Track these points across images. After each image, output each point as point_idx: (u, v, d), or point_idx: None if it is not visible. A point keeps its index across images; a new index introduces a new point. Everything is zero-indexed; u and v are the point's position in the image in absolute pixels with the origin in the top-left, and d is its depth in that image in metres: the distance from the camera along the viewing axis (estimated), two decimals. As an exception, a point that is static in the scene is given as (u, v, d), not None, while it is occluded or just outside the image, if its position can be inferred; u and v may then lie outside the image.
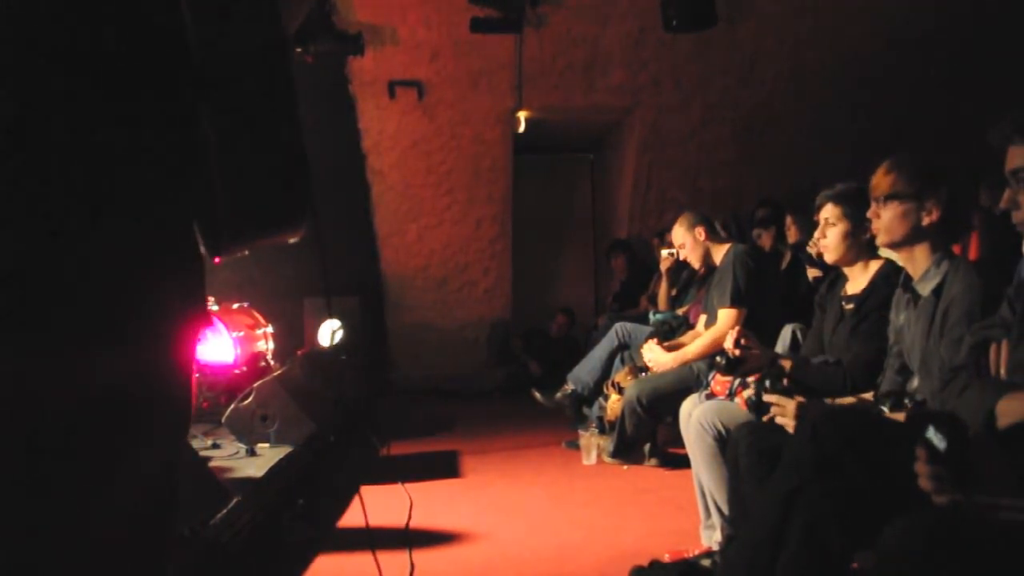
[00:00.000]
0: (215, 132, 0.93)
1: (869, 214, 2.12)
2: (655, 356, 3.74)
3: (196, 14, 0.90)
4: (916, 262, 2.06)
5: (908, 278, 2.10)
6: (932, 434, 1.32)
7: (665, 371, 3.71)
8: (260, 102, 0.97)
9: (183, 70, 0.91)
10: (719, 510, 2.54)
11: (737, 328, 2.53)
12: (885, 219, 2.06)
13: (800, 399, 2.08)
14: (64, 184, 0.83)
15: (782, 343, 3.08)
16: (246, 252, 1.02)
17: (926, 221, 2.02)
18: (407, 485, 3.64)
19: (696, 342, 3.70)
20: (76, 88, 0.83)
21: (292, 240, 1.03)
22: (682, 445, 2.81)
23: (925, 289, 2.01)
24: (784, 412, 2.07)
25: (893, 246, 2.11)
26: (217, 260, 0.99)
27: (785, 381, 2.17)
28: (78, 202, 0.84)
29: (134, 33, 0.87)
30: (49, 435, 0.82)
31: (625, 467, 3.96)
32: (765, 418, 2.15)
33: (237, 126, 0.95)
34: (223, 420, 3.74)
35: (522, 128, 6.61)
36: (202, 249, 0.97)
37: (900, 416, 1.90)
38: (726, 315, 3.55)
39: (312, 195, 1.03)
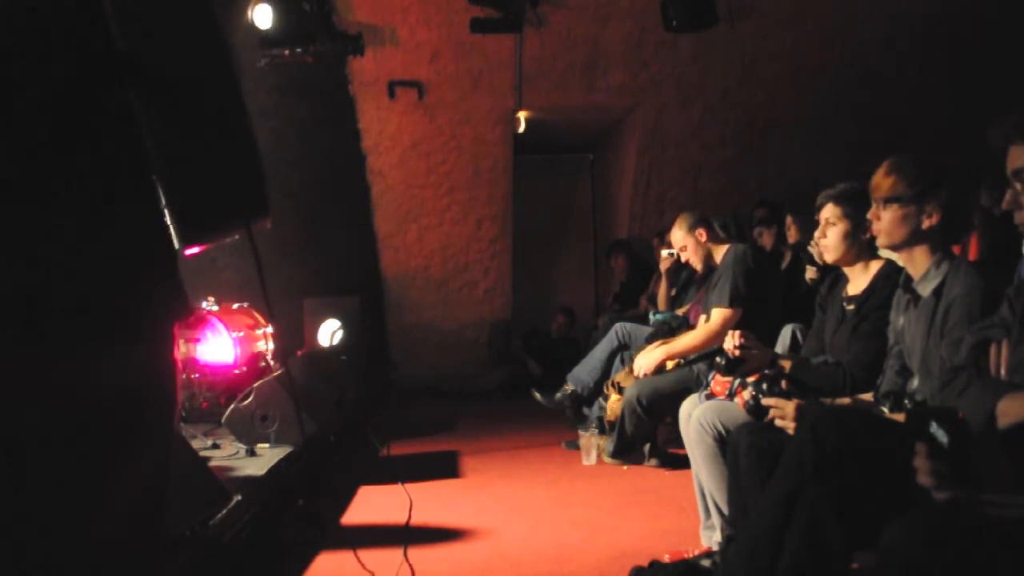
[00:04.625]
0: (152, 121, 0.92)
1: (869, 215, 2.12)
2: (645, 355, 3.74)
3: (116, 4, 0.89)
4: (916, 263, 2.06)
5: (908, 279, 2.10)
6: (935, 429, 1.31)
7: (665, 371, 3.71)
8: (195, 88, 0.95)
9: (109, 63, 0.89)
10: (719, 510, 2.53)
11: (738, 330, 2.51)
12: (885, 221, 2.06)
13: (799, 401, 2.08)
14: (42, 186, 0.82)
15: (782, 343, 3.08)
16: (217, 243, 1.00)
17: (926, 224, 2.02)
18: (407, 485, 3.64)
19: (687, 336, 3.69)
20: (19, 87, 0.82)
21: (265, 226, 1.02)
22: (682, 445, 2.81)
23: (925, 290, 2.01)
24: (783, 415, 2.07)
25: (893, 248, 2.11)
26: (187, 253, 0.98)
27: (784, 384, 2.17)
28: (61, 203, 0.83)
29: (48, 22, 0.86)
30: (50, 436, 0.82)
31: (625, 467, 3.96)
32: (766, 419, 2.14)
33: (173, 113, 0.93)
34: (223, 420, 3.75)
35: (522, 128, 6.61)
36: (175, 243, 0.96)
37: (900, 416, 1.90)
38: (719, 314, 3.53)
39: (264, 183, 1.01)
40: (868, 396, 2.22)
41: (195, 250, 0.99)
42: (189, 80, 0.94)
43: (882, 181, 2.06)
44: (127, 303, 0.88)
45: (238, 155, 0.99)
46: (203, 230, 0.99)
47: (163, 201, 0.94)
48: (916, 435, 1.35)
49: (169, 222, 0.95)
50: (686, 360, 3.72)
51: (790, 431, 2.03)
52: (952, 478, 1.30)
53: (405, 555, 2.75)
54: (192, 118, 0.94)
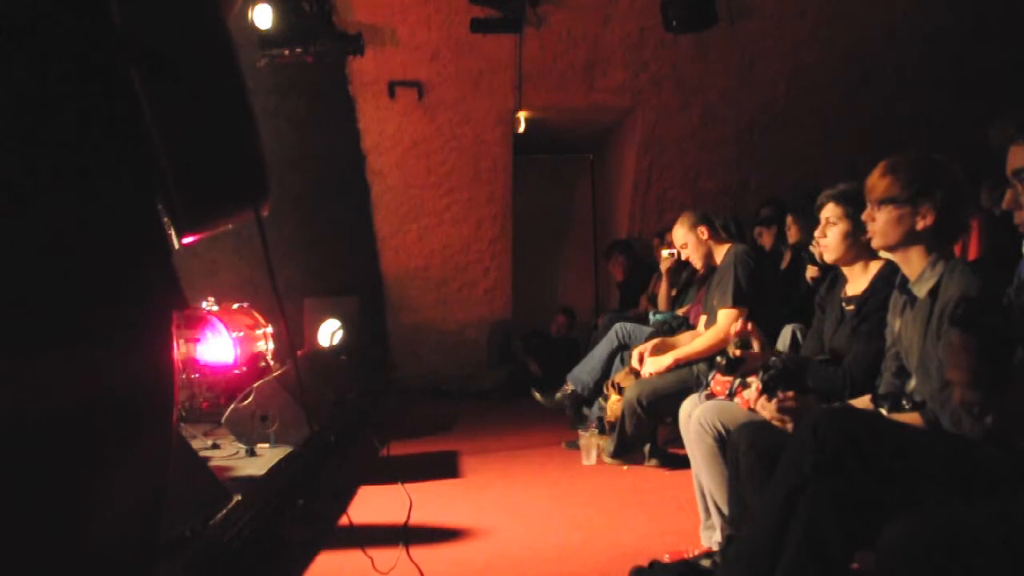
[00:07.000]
0: (153, 105, 0.91)
1: (864, 217, 2.11)
2: (654, 362, 3.71)
3: None
4: (911, 264, 2.06)
5: (904, 280, 2.10)
6: (990, 323, 1.24)
7: (665, 372, 3.70)
8: (197, 72, 0.94)
9: (111, 42, 0.89)
10: (719, 510, 2.54)
11: (741, 322, 2.51)
12: (880, 223, 2.05)
13: (809, 397, 2.07)
14: (34, 175, 0.81)
15: (782, 343, 3.07)
16: (216, 230, 0.99)
17: (920, 225, 2.01)
18: (407, 485, 3.64)
19: (696, 341, 3.68)
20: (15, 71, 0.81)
21: (263, 214, 1.01)
22: (682, 445, 2.81)
23: (921, 291, 2.01)
24: (789, 403, 2.07)
25: (888, 249, 2.11)
26: (185, 242, 0.97)
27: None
28: (56, 194, 0.82)
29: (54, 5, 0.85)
30: (45, 438, 0.82)
31: (625, 467, 3.96)
32: (775, 402, 2.11)
33: (174, 97, 0.92)
34: (223, 420, 3.75)
35: (522, 128, 6.61)
36: (171, 234, 0.95)
37: (900, 416, 1.90)
38: (726, 315, 3.53)
39: (266, 167, 1.00)
40: (863, 400, 2.22)
41: (192, 238, 0.97)
42: (190, 60, 0.93)
43: (877, 183, 2.06)
44: (124, 297, 0.88)
45: (241, 137, 0.98)
46: (209, 215, 0.98)
47: (159, 187, 0.93)
48: (968, 326, 1.28)
49: (169, 209, 0.94)
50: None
51: (788, 427, 2.02)
52: (988, 380, 1.25)
53: (408, 555, 2.75)
54: (195, 99, 0.93)
